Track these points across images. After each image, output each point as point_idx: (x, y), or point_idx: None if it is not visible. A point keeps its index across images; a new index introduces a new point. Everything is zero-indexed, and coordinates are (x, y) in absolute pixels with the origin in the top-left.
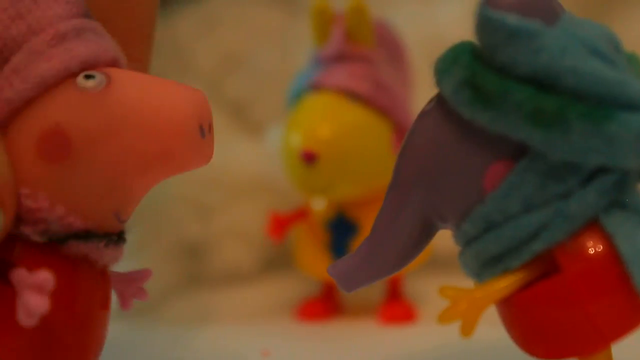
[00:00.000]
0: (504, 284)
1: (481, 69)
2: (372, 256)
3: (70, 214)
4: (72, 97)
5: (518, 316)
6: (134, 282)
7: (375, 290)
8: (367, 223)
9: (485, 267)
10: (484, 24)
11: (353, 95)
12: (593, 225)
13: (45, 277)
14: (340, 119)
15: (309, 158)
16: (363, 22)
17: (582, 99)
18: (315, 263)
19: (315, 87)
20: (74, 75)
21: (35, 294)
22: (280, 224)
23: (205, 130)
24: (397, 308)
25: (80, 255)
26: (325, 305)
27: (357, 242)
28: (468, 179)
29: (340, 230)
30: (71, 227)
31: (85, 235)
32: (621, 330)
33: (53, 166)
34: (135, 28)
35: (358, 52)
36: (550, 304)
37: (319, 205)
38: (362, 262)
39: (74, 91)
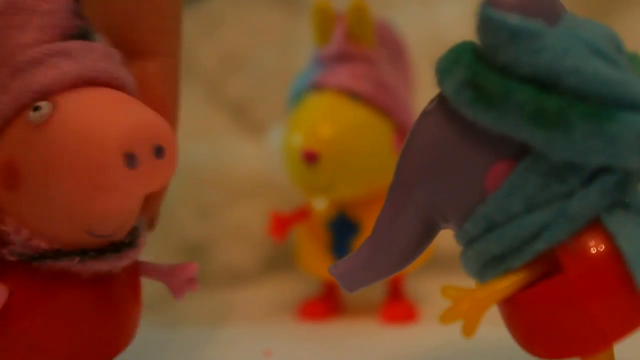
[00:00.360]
0: (506, 284)
1: (483, 69)
2: (374, 256)
3: (35, 236)
4: (21, 130)
5: (520, 316)
6: (179, 275)
7: (376, 290)
8: (368, 223)
9: (487, 267)
10: (485, 24)
11: (354, 95)
12: (595, 225)
13: None
14: (341, 119)
15: (310, 158)
16: (364, 22)
17: (584, 99)
18: (316, 263)
19: (317, 87)
20: (26, 106)
21: None
22: (282, 224)
23: (136, 158)
24: (399, 308)
25: (59, 270)
26: (326, 305)
27: (358, 242)
28: (469, 179)
29: (341, 230)
30: (37, 248)
31: (54, 254)
32: (623, 330)
33: (11, 194)
34: (163, 23)
35: (359, 52)
36: (552, 304)
37: (320, 205)
38: (364, 263)
39: (23, 123)
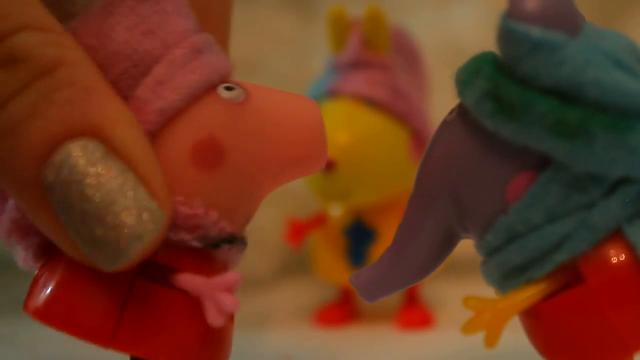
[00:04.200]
0: (528, 295)
1: (504, 81)
2: (394, 266)
3: (222, 219)
4: (218, 108)
5: (541, 326)
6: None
7: (392, 296)
8: (384, 229)
9: (508, 277)
10: (506, 35)
11: (370, 102)
12: (616, 235)
13: (235, 278)
14: (357, 126)
15: (327, 164)
16: (380, 29)
17: (605, 111)
18: (333, 269)
19: (333, 93)
20: (214, 86)
21: (227, 294)
22: (298, 230)
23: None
24: (415, 313)
25: (225, 259)
26: (342, 310)
27: (375, 249)
28: (491, 190)
29: (357, 236)
30: (223, 232)
31: (233, 239)
32: None
33: (207, 173)
34: (216, 35)
35: (375, 59)
36: (573, 314)
37: (337, 212)
38: (384, 272)
39: (218, 102)
